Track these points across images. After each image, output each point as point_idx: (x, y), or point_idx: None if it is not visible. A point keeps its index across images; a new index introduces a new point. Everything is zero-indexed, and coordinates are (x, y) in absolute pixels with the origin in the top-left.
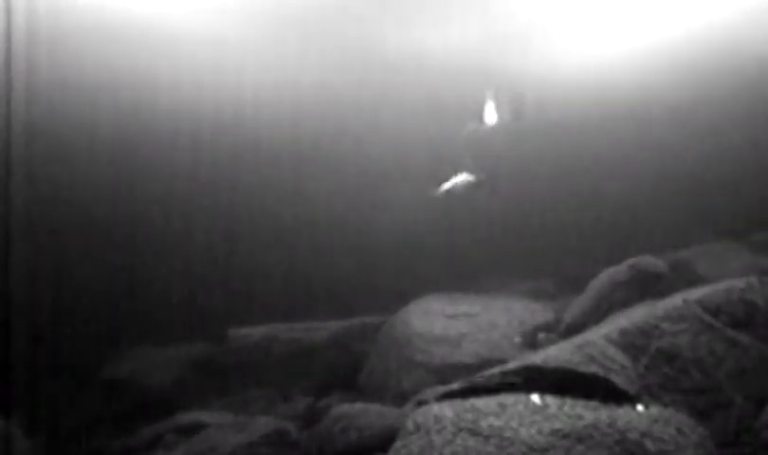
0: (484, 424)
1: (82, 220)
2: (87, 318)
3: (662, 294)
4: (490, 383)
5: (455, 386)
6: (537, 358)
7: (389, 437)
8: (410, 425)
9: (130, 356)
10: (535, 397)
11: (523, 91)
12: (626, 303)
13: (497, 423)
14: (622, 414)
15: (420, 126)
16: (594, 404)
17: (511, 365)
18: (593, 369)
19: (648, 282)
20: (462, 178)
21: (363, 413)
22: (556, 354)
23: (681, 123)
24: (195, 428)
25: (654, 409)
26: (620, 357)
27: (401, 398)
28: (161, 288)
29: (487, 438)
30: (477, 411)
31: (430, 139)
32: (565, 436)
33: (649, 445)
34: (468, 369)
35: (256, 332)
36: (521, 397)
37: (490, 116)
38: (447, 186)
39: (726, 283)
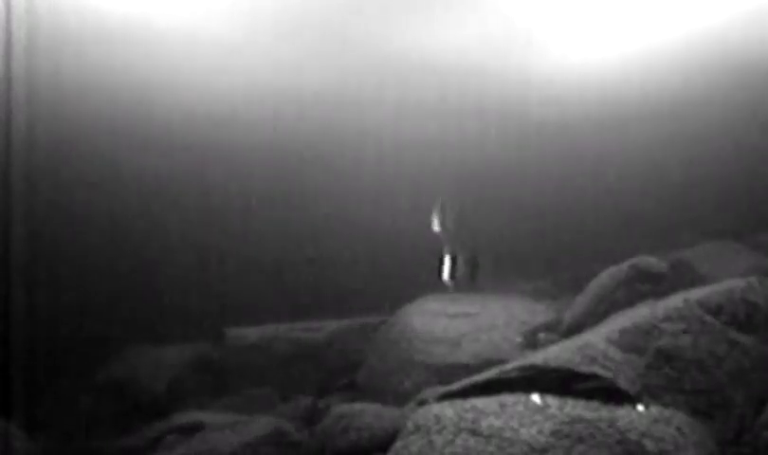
0: (484, 424)
1: (81, 220)
2: (87, 317)
3: (662, 294)
4: (491, 383)
5: (455, 386)
6: (537, 358)
7: (389, 437)
8: (410, 425)
9: (129, 356)
10: (535, 397)
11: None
12: (626, 303)
13: (497, 423)
14: (623, 414)
15: (420, 127)
16: (594, 404)
17: (511, 365)
18: (593, 369)
19: (648, 281)
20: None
21: (363, 413)
22: (556, 354)
23: (681, 124)
24: (195, 428)
25: (655, 410)
26: (620, 357)
27: (401, 398)
28: (161, 288)
29: (488, 438)
30: (477, 411)
31: (431, 140)
32: (565, 436)
33: (649, 445)
34: (469, 369)
35: (256, 332)
36: (521, 397)
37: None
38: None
39: (727, 284)
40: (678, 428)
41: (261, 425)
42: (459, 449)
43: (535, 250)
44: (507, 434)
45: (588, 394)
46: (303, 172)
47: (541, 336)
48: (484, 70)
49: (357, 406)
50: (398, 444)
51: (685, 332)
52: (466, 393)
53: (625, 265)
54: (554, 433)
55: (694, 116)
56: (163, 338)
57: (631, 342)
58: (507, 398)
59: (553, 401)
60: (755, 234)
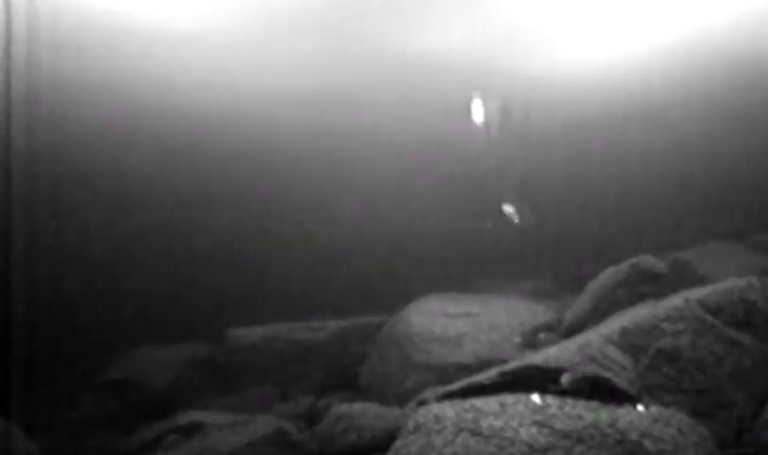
0: (484, 424)
1: (81, 220)
2: (87, 317)
3: (662, 294)
4: (491, 383)
5: (455, 386)
6: (537, 358)
7: (389, 437)
8: (410, 425)
9: (130, 356)
10: (535, 397)
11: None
12: (626, 303)
13: (497, 423)
14: (623, 414)
15: (421, 126)
16: (594, 404)
17: (511, 365)
18: (593, 369)
19: (648, 282)
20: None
21: (363, 413)
22: (556, 354)
23: (681, 124)
24: (195, 428)
25: (655, 410)
26: (620, 357)
27: (402, 398)
28: (161, 288)
29: (488, 438)
30: (477, 411)
31: (431, 140)
32: (565, 436)
33: (649, 445)
34: (469, 369)
35: (256, 332)
36: (521, 397)
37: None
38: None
39: (727, 283)
40: (678, 428)
41: (261, 425)
42: (459, 449)
43: (535, 250)
44: (507, 434)
45: (588, 394)
46: (304, 172)
47: (541, 336)
48: (488, 70)
49: (358, 406)
50: (398, 443)
51: (684, 332)
52: (465, 393)
53: (625, 265)
54: (554, 433)
55: (695, 116)
56: (163, 338)
57: (631, 342)
58: (507, 398)
59: (553, 401)
60: (755, 234)
